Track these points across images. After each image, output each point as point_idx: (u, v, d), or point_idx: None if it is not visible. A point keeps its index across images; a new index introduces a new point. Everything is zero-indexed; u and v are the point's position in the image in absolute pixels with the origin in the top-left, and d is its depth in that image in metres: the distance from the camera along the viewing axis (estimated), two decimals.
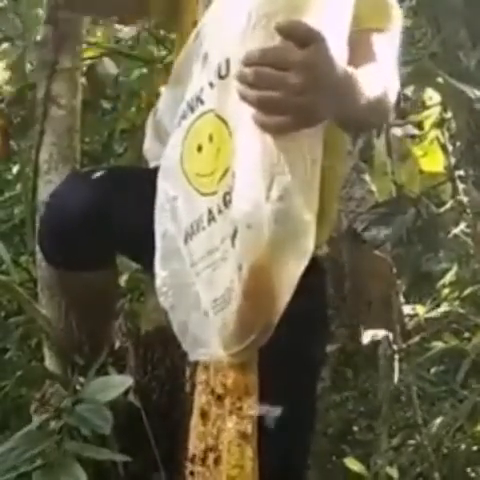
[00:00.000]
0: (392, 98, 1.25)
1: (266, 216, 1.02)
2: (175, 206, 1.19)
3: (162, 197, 1.23)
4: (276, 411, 1.22)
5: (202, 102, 1.15)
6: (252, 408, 1.13)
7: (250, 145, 1.05)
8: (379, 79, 1.20)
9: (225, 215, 1.10)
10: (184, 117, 1.18)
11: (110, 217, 1.44)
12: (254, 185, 1.03)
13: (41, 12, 2.27)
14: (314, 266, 1.10)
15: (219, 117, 1.11)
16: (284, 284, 1.08)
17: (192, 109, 1.16)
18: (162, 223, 1.23)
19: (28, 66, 2.50)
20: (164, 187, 1.23)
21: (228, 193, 1.08)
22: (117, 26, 3.02)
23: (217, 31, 1.15)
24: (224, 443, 1.14)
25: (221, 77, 1.11)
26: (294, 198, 1.03)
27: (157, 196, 1.25)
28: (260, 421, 1.16)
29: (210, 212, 1.12)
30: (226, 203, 1.09)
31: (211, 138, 1.13)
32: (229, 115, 1.10)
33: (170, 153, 1.22)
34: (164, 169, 1.24)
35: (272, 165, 1.03)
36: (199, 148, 1.15)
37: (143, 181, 1.44)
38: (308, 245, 1.07)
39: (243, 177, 1.05)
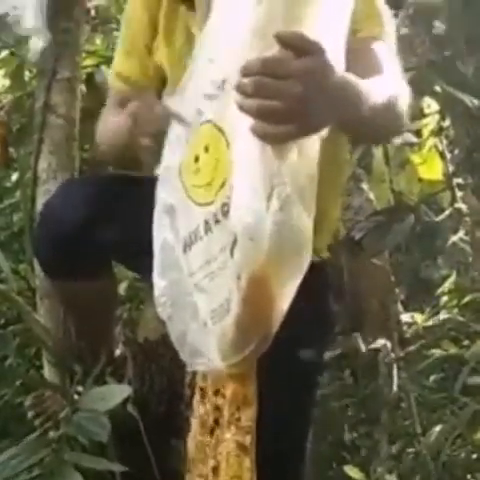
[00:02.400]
0: (404, 105, 1.24)
1: (266, 227, 1.03)
2: (174, 216, 1.20)
3: (160, 207, 1.23)
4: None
5: (200, 113, 1.15)
6: (251, 419, 1.13)
7: (249, 155, 1.05)
8: (388, 88, 1.20)
9: (223, 225, 1.10)
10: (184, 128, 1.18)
11: (105, 225, 1.44)
12: (254, 196, 1.03)
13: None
14: (313, 272, 1.10)
15: (217, 128, 1.12)
16: (283, 294, 1.08)
17: (192, 120, 1.16)
18: (160, 233, 1.23)
19: (27, 74, 2.51)
20: (163, 197, 1.23)
21: (226, 204, 1.08)
22: (115, 33, 3.03)
23: (215, 43, 1.15)
24: (223, 454, 1.14)
25: (219, 88, 1.11)
26: (294, 208, 1.04)
27: (156, 205, 1.25)
28: (258, 431, 1.15)
29: (207, 223, 1.12)
30: (224, 213, 1.09)
31: (207, 149, 1.13)
32: (227, 126, 1.10)
33: (169, 163, 1.22)
34: (163, 179, 1.24)
35: (271, 175, 1.03)
36: (196, 159, 1.15)
37: (138, 188, 1.44)
38: (307, 255, 1.07)
39: (242, 188, 1.05)
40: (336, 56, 1.05)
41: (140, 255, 1.30)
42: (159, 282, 1.23)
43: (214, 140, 1.12)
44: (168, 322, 1.22)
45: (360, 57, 1.16)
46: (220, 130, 1.11)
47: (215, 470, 1.15)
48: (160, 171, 1.25)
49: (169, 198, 1.21)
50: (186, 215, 1.17)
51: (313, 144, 1.07)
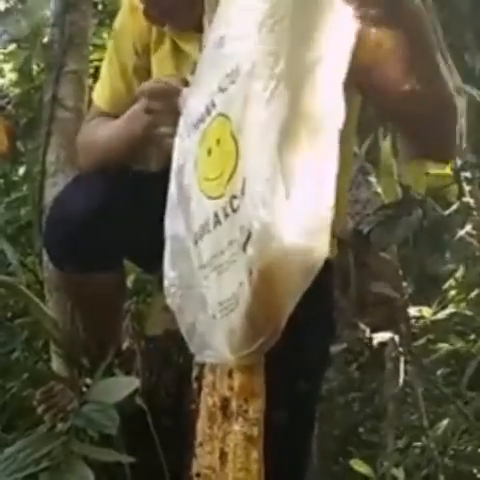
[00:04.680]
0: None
1: (282, 224, 1.02)
2: (188, 208, 1.19)
3: (174, 198, 1.23)
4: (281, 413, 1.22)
5: (214, 105, 1.15)
6: (258, 411, 1.13)
7: (264, 150, 1.05)
8: None
9: (232, 218, 1.09)
10: (202, 120, 1.18)
11: (114, 219, 1.44)
12: (270, 192, 1.03)
13: (48, 14, 2.28)
14: (322, 267, 1.10)
15: (228, 120, 1.12)
16: (294, 288, 1.08)
17: (209, 112, 1.16)
18: (173, 224, 1.23)
19: (35, 68, 2.51)
20: (177, 188, 1.23)
21: (235, 197, 1.08)
22: None
23: (227, 34, 1.15)
24: (230, 446, 1.14)
25: (232, 81, 1.11)
26: (311, 205, 1.04)
27: (169, 197, 1.25)
28: (265, 424, 1.16)
29: (216, 215, 1.12)
30: (234, 206, 1.09)
31: (218, 141, 1.13)
32: (238, 119, 1.10)
33: (186, 155, 1.22)
34: (178, 170, 1.24)
35: (286, 171, 1.03)
36: (209, 152, 1.15)
37: (147, 183, 1.44)
38: (321, 253, 1.07)
39: (256, 182, 1.05)
40: (341, 65, 1.05)
41: (149, 250, 1.31)
42: (169, 273, 1.23)
43: (225, 132, 1.11)
44: (177, 313, 1.22)
45: None
46: (231, 123, 1.11)
47: (223, 462, 1.15)
48: (173, 164, 1.25)
49: (184, 190, 1.21)
50: (198, 208, 1.16)
51: (330, 141, 1.07)
